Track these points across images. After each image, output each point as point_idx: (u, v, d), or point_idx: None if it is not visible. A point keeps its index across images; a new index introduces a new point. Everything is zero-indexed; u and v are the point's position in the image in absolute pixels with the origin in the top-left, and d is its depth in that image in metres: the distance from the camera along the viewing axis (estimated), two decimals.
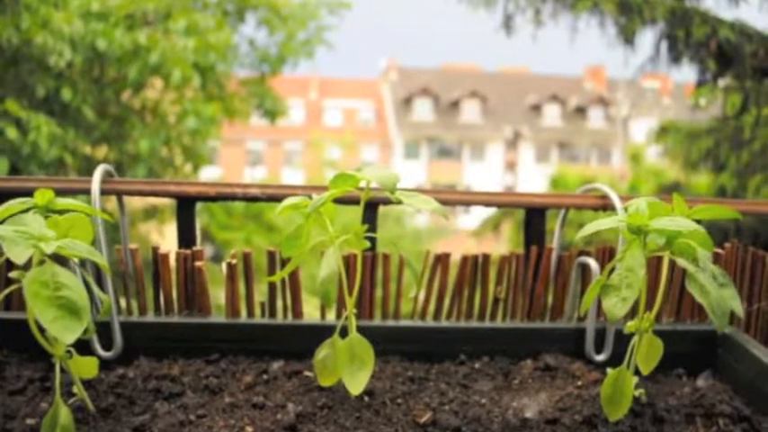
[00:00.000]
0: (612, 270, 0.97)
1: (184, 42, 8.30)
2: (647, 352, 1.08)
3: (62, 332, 0.77)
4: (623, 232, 0.98)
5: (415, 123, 35.53)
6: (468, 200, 1.39)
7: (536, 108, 36.77)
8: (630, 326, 1.04)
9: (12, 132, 7.02)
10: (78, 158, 8.41)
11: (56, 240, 0.83)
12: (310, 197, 1.02)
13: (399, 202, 0.98)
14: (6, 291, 0.89)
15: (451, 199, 1.35)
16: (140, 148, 8.65)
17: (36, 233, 0.81)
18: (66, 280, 0.80)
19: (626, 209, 0.99)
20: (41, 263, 0.82)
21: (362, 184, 1.00)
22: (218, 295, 1.43)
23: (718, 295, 0.92)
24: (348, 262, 1.23)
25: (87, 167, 8.95)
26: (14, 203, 0.92)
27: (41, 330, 0.89)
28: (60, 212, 0.96)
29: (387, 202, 1.28)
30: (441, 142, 35.70)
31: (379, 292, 1.32)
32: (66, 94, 7.89)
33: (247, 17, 11.07)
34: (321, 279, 0.96)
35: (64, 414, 0.88)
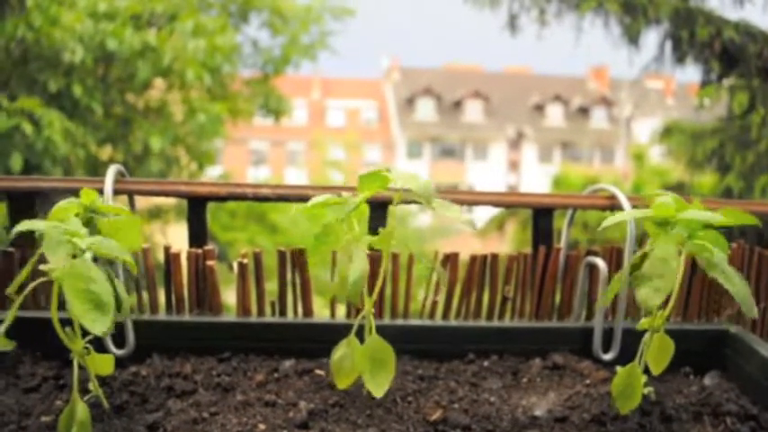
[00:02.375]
0: (634, 266, 0.98)
1: (195, 43, 8.37)
2: (657, 351, 1.09)
3: (93, 324, 0.80)
4: (648, 226, 1.00)
5: (417, 123, 35.53)
6: (476, 200, 1.40)
7: (539, 108, 36.75)
8: (643, 323, 1.04)
9: (28, 128, 7.08)
10: (86, 156, 8.46)
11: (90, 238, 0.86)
12: (339, 195, 1.02)
13: (429, 207, 0.98)
14: (29, 287, 0.91)
15: (460, 199, 1.35)
16: (152, 144, 8.71)
17: (71, 229, 0.85)
18: (96, 275, 0.84)
19: (648, 205, 1.00)
20: (73, 257, 0.85)
21: (392, 185, 1.00)
22: (223, 295, 1.44)
23: (743, 284, 0.94)
24: None
25: (93, 166, 8.98)
26: (65, 204, 0.95)
27: (63, 326, 0.91)
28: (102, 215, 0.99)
29: (409, 203, 1.29)
30: (443, 142, 35.70)
31: (386, 291, 1.32)
32: (78, 89, 7.96)
33: (251, 18, 11.12)
34: (352, 280, 0.96)
35: (81, 410, 0.90)
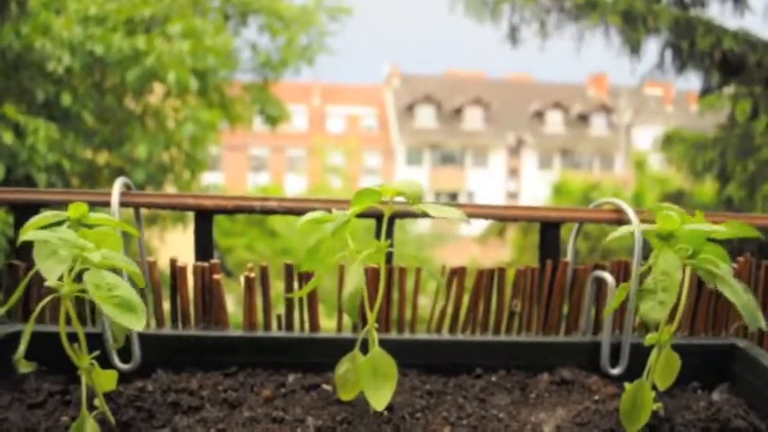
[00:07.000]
0: (636, 282, 0.98)
1: (180, 45, 8.31)
2: (663, 366, 1.09)
3: (129, 323, 0.85)
4: (652, 239, 0.99)
5: (417, 130, 35.58)
6: (481, 213, 1.40)
7: (539, 115, 36.82)
8: (650, 338, 1.04)
9: (8, 137, 7.00)
10: (78, 163, 8.41)
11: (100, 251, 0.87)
12: (329, 211, 1.02)
13: (423, 215, 0.98)
14: (42, 302, 0.90)
15: (465, 212, 1.35)
16: (139, 152, 8.66)
17: (78, 243, 0.85)
18: (115, 281, 0.86)
19: (653, 218, 1.00)
20: (83, 272, 0.86)
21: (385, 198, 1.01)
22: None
23: (748, 296, 0.94)
24: (367, 276, 1.24)
25: (89, 172, 8.95)
26: (48, 215, 0.94)
27: (71, 342, 0.90)
28: (89, 226, 0.97)
29: (404, 215, 1.28)
30: (443, 149, 35.73)
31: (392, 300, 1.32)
32: (66, 98, 7.90)
33: (249, 22, 11.12)
34: (347, 294, 0.96)
35: (90, 427, 0.89)
